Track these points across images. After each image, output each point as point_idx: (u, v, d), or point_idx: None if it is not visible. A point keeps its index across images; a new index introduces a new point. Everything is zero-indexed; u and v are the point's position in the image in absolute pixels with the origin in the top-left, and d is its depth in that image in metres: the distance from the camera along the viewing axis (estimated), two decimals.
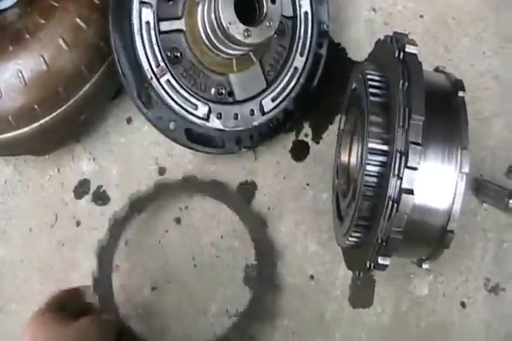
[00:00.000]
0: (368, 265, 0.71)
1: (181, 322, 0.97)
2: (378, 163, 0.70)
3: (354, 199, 0.75)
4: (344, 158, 0.94)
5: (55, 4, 0.90)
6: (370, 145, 0.70)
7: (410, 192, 0.65)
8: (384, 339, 0.88)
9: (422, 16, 1.03)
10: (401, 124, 0.66)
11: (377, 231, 0.67)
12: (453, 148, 0.71)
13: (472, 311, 0.84)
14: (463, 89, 0.75)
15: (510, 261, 0.85)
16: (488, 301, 0.84)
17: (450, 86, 0.77)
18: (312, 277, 0.96)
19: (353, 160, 0.93)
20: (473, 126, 0.89)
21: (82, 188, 1.06)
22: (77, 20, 0.93)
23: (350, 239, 0.76)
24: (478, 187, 0.90)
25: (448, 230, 0.71)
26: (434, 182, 0.70)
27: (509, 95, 0.92)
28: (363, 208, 0.71)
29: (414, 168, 0.66)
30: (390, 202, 0.66)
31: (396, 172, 0.66)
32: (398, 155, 0.66)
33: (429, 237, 0.72)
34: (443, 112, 0.73)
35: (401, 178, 0.65)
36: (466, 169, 0.70)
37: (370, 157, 0.69)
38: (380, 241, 0.68)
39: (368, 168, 0.69)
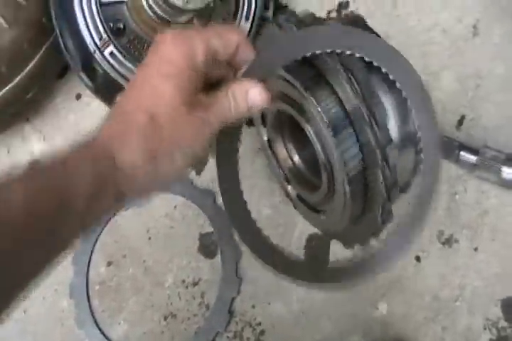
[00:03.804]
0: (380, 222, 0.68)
1: (138, 295, 0.95)
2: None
3: (330, 191, 0.71)
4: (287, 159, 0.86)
5: None
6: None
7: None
8: (341, 295, 0.87)
9: None
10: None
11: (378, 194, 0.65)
12: None
13: (427, 264, 0.83)
14: None
15: (462, 212, 0.84)
16: (442, 253, 0.83)
17: None
18: None
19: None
20: (423, 80, 0.89)
21: None
22: None
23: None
24: None
25: None
26: None
27: (457, 48, 0.90)
28: (355, 190, 0.67)
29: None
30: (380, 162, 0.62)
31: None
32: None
33: None
34: None
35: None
36: None
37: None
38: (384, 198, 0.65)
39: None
